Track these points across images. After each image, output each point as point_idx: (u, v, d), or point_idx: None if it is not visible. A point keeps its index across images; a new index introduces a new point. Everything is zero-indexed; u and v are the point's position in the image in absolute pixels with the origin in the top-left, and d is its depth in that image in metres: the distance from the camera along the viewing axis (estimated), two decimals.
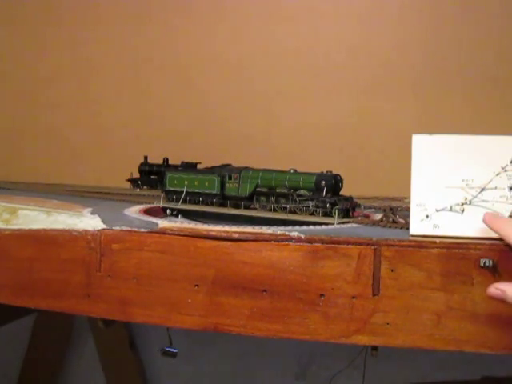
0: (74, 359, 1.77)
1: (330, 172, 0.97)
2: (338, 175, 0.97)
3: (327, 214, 0.93)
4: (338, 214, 0.92)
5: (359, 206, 1.00)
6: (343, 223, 0.91)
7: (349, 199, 0.95)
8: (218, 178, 1.05)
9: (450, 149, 0.77)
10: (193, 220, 1.05)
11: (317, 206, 0.94)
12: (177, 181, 1.09)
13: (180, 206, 1.08)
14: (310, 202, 0.95)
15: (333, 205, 0.93)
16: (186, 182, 1.08)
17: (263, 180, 1.01)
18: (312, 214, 0.95)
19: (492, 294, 0.68)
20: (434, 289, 0.73)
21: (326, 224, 0.89)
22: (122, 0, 1.67)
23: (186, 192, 1.08)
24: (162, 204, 1.09)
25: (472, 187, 0.76)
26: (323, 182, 0.95)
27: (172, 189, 1.10)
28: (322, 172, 0.97)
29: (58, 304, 0.88)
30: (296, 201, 0.97)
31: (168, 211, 1.09)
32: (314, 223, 0.90)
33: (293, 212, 0.97)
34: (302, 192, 0.97)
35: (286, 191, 0.99)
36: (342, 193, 0.97)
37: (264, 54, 1.56)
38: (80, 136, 1.71)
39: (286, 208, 0.98)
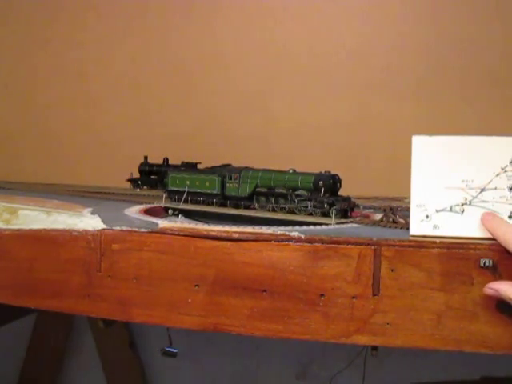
0: (74, 359, 1.77)
1: (329, 172, 0.96)
2: (337, 175, 0.96)
3: (325, 215, 0.93)
4: (336, 215, 0.91)
5: (358, 206, 1.00)
6: (341, 223, 0.90)
7: (347, 199, 0.95)
8: (218, 178, 1.05)
9: (449, 149, 0.77)
10: (193, 220, 1.05)
11: (315, 207, 0.94)
12: (178, 181, 1.09)
13: (181, 205, 1.08)
14: (309, 203, 0.95)
15: (330, 205, 0.92)
16: (187, 182, 1.08)
17: (263, 180, 1.01)
18: (310, 214, 0.95)
19: (488, 293, 0.70)
20: (434, 289, 0.73)
21: (325, 224, 0.89)
22: (121, 0, 1.67)
23: (187, 192, 1.08)
24: (163, 204, 1.09)
25: (472, 188, 0.76)
26: (321, 182, 0.94)
27: (174, 189, 1.10)
28: (321, 172, 0.96)
29: (58, 304, 0.88)
30: (294, 201, 0.97)
31: (170, 211, 1.09)
32: (312, 223, 0.90)
33: (291, 212, 0.97)
34: (300, 192, 0.97)
35: (284, 191, 0.98)
36: (341, 193, 0.97)
37: (264, 53, 1.56)
38: (80, 136, 1.71)
39: (284, 208, 0.98)
